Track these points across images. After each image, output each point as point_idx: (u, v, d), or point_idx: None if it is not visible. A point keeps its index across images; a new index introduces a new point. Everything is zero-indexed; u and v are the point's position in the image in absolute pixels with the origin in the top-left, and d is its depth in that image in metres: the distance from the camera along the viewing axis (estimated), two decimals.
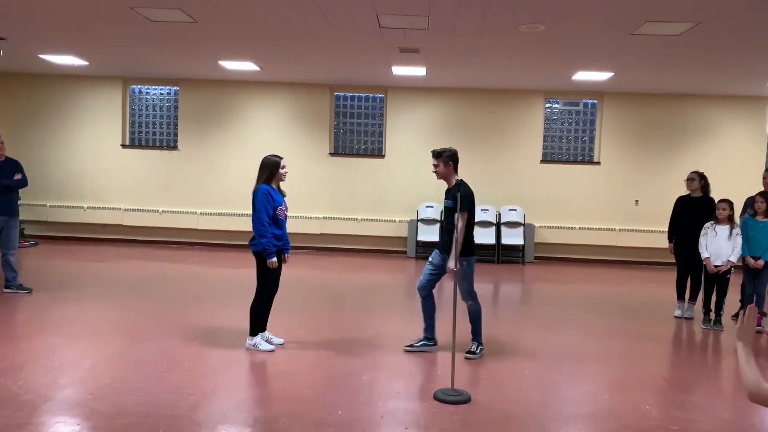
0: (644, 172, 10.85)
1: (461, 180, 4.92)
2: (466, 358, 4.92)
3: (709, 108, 10.71)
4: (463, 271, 4.87)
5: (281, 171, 4.97)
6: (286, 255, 5.12)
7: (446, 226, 5.06)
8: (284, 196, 5.08)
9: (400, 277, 9.07)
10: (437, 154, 4.91)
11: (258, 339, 5.02)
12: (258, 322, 5.05)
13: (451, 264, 4.70)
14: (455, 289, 4.38)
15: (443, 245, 5.01)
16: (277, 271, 5.00)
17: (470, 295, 5.00)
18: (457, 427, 3.62)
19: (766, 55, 7.45)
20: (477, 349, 5.03)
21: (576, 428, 3.71)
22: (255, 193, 4.87)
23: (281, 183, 5.08)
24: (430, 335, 5.16)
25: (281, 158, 5.03)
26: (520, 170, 10.96)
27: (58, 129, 11.25)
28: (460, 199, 4.57)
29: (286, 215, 5.06)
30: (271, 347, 5.01)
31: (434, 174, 4.99)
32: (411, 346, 5.14)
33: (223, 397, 4.00)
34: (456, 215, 4.55)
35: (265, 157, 5.01)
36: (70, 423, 3.50)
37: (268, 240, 4.81)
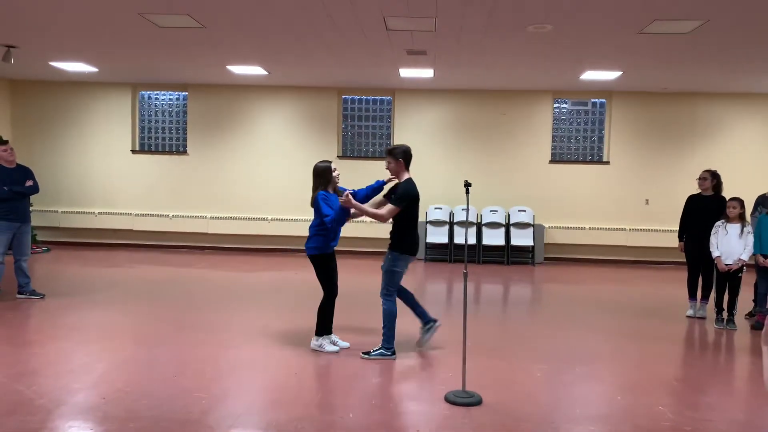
0: (654, 171, 10.79)
1: (410, 178, 4.93)
2: (362, 357, 4.91)
3: (718, 106, 10.64)
4: (385, 263, 4.89)
5: (334, 174, 5.02)
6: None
7: (394, 223, 4.95)
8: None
9: (409, 279, 9.04)
10: (389, 151, 4.95)
11: (324, 340, 5.07)
12: (325, 323, 5.08)
13: (347, 198, 4.62)
14: (465, 290, 4.36)
15: (390, 243, 4.96)
16: (334, 274, 5.10)
17: (386, 292, 4.93)
18: (468, 429, 3.61)
19: None
20: (375, 351, 4.93)
21: (588, 430, 3.69)
22: (315, 199, 4.91)
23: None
24: (426, 319, 5.22)
25: (330, 161, 5.08)
26: (529, 171, 10.93)
27: (68, 135, 11.35)
28: (398, 194, 4.70)
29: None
30: (336, 348, 5.06)
31: (390, 171, 5.00)
32: (420, 341, 5.22)
33: (235, 400, 4.01)
34: (392, 206, 4.72)
35: (316, 165, 5.04)
36: (83, 427, 3.52)
37: (335, 212, 4.79)
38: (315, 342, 5.08)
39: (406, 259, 4.93)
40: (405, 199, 4.80)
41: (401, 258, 4.90)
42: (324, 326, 5.08)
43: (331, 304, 5.08)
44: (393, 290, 4.95)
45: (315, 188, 4.98)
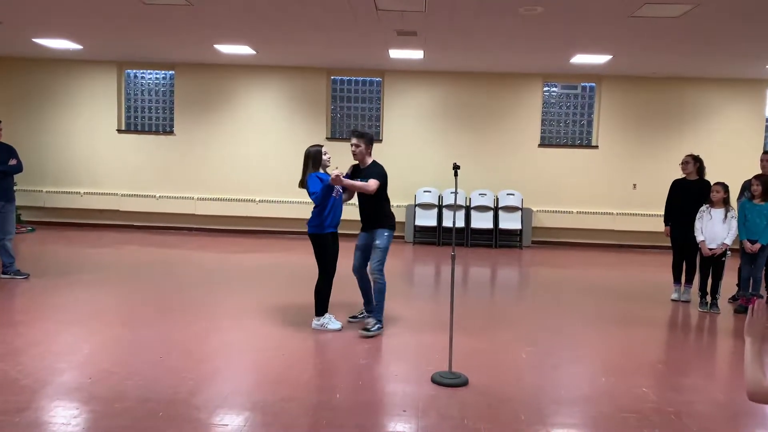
0: (642, 155, 10.84)
1: (375, 161, 5.18)
2: (360, 336, 5.00)
3: (707, 91, 10.68)
4: (381, 241, 5.07)
5: (324, 157, 5.09)
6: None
7: (365, 205, 5.19)
8: None
9: (398, 262, 9.07)
10: (361, 134, 5.12)
11: (325, 319, 5.14)
12: (324, 302, 5.15)
13: (336, 177, 4.71)
14: (453, 273, 4.37)
15: (366, 224, 5.21)
16: (334, 254, 5.16)
17: (381, 268, 5.11)
18: (454, 409, 3.64)
19: (765, 37, 7.40)
20: (374, 327, 5.08)
21: (572, 411, 3.73)
22: (306, 181, 5.01)
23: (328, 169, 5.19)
24: (369, 309, 5.37)
25: (321, 146, 5.16)
26: (518, 154, 10.94)
27: (53, 114, 11.18)
28: (376, 171, 4.99)
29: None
30: (339, 325, 5.14)
31: (354, 154, 5.15)
32: (354, 317, 5.48)
33: (222, 381, 4.02)
34: (376, 180, 4.94)
35: (307, 149, 5.14)
36: (69, 407, 3.51)
37: (321, 190, 4.87)
38: (316, 322, 5.15)
39: (393, 235, 5.21)
40: (384, 175, 5.07)
41: (392, 234, 5.18)
42: (323, 306, 5.15)
43: (325, 284, 5.13)
44: (383, 266, 5.13)
45: (305, 171, 5.08)
